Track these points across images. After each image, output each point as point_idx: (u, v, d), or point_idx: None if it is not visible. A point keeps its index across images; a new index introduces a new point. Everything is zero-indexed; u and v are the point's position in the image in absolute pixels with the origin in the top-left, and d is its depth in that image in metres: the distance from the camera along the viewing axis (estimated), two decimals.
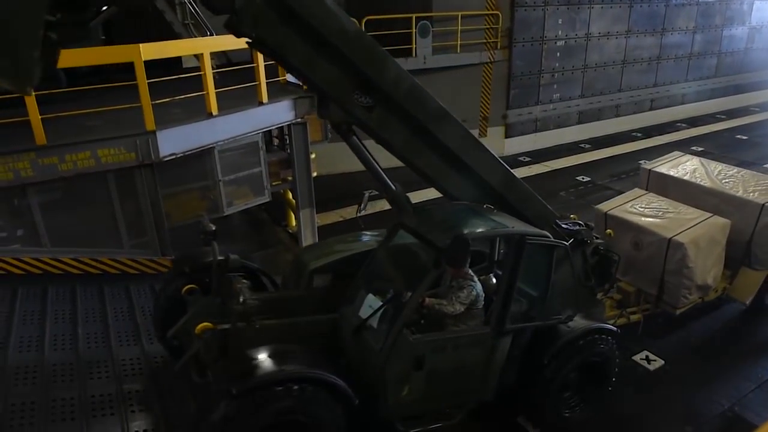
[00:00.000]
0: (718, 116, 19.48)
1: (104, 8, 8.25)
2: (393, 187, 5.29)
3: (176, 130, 7.40)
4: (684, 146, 16.04)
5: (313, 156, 9.87)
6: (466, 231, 4.81)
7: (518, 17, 14.47)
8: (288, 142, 9.64)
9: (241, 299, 5.14)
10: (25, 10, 2.79)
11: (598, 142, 16.55)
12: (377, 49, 4.64)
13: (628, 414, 6.01)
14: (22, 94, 3.90)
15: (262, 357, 4.43)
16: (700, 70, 19.36)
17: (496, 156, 5.62)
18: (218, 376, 4.50)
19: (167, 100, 7.52)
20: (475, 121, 15.11)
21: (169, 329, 5.26)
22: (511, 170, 5.73)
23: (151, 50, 6.78)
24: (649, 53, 17.66)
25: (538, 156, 15.37)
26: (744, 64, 20.55)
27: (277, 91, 9.29)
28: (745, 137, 17.08)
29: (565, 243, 5.27)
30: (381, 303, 4.72)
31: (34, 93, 6.61)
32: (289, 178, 9.70)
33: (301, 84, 10.21)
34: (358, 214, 5.82)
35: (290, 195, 10.24)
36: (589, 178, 13.56)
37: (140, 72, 6.75)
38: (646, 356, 6.84)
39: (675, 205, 7.20)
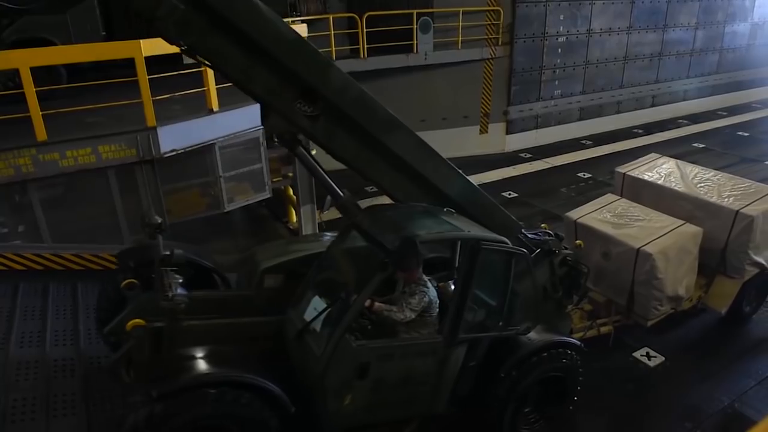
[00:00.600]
0: (719, 113, 19.44)
1: None
2: (341, 195, 4.98)
3: (177, 126, 7.40)
4: (685, 143, 16.05)
5: (314, 152, 9.86)
6: (416, 233, 4.54)
7: (519, 13, 14.43)
8: None
9: (170, 296, 4.79)
10: None
11: (599, 139, 16.51)
12: (319, 57, 4.45)
13: (628, 410, 6.02)
14: None
15: (190, 358, 4.28)
16: (702, 67, 19.31)
17: (455, 166, 5.44)
18: (140, 377, 4.29)
19: (168, 96, 7.51)
20: (476, 117, 15.10)
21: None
22: (470, 180, 5.59)
23: (152, 46, 6.76)
24: (650, 49, 17.61)
25: (539, 152, 15.35)
26: (746, 61, 20.48)
27: None
28: (746, 134, 17.04)
29: (524, 251, 5.05)
30: (326, 306, 4.57)
31: (35, 89, 6.62)
32: (290, 175, 9.71)
33: None
34: (320, 218, 5.68)
35: (291, 191, 10.24)
36: (590, 175, 13.54)
37: (141, 68, 6.75)
38: (647, 353, 6.85)
39: (647, 213, 6.90)
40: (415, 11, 13.03)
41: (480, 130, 15.28)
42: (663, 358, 6.76)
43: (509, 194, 12.36)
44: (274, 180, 9.34)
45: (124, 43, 6.87)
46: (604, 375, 6.50)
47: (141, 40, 6.60)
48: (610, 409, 6.03)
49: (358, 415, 4.67)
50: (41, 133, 6.74)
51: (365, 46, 12.72)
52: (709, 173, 7.47)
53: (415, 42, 13.36)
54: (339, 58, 12.59)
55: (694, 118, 18.75)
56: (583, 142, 16.39)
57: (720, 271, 6.93)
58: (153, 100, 6.97)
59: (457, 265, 5.77)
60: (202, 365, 4.30)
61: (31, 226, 7.12)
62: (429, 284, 4.86)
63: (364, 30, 12.52)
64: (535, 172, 13.87)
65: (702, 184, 7.21)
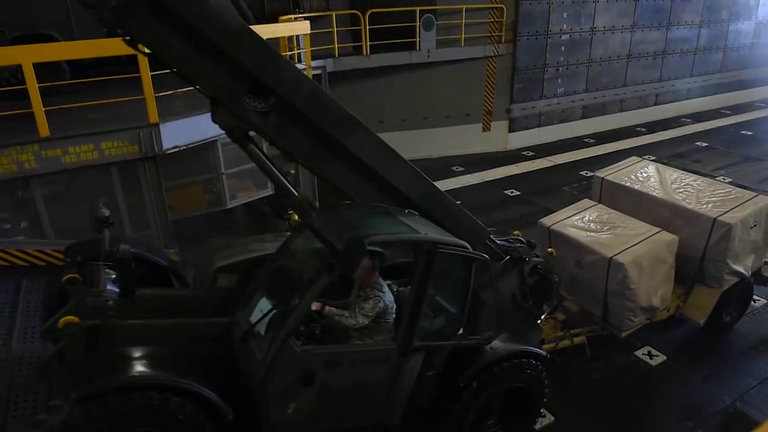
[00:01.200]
0: (723, 112, 19.39)
1: None
2: (295, 194, 4.78)
3: (179, 122, 7.42)
4: (688, 142, 16.01)
5: None
6: (366, 233, 4.30)
7: (523, 11, 14.38)
8: None
9: (97, 292, 4.59)
10: None
11: (602, 137, 16.47)
12: (268, 50, 4.24)
13: (629, 409, 6.01)
14: None
15: (124, 359, 4.10)
16: (706, 65, 19.24)
17: (417, 168, 5.20)
18: (63, 378, 4.08)
19: (170, 92, 7.52)
20: (479, 115, 15.07)
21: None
22: (434, 184, 5.34)
23: None
24: (654, 48, 17.56)
25: (541, 151, 15.31)
26: (750, 60, 20.40)
27: None
28: (750, 133, 16.99)
29: (485, 256, 4.82)
30: (270, 308, 4.38)
31: (38, 85, 6.63)
32: (292, 171, 9.70)
33: None
34: (286, 217, 5.36)
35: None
36: (592, 173, 13.47)
37: (143, 64, 6.75)
38: (648, 351, 6.84)
39: (622, 219, 6.69)
40: (418, 8, 13.01)
41: (483, 128, 15.25)
42: (665, 357, 6.75)
43: (511, 192, 12.35)
44: None
45: None
46: (605, 373, 6.51)
47: None
48: (612, 408, 6.03)
49: (303, 423, 4.44)
50: (44, 129, 6.75)
51: (368, 43, 12.71)
52: (690, 178, 7.23)
53: (418, 39, 13.34)
54: (342, 56, 12.62)
55: (697, 117, 18.70)
56: (586, 140, 16.35)
57: (698, 280, 6.71)
58: (155, 96, 6.99)
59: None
60: (132, 367, 4.08)
61: (34, 221, 7.14)
62: (385, 289, 4.69)
63: (367, 27, 12.50)
64: (537, 170, 13.85)
65: (681, 190, 6.96)
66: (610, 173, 7.59)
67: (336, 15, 12.26)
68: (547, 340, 6.32)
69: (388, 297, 4.67)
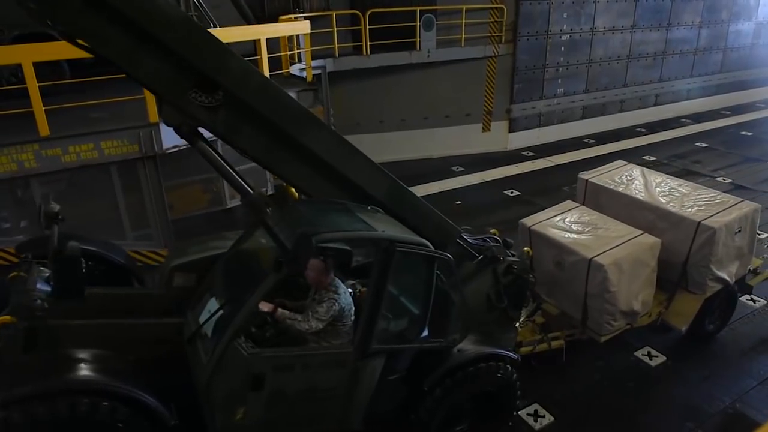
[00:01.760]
0: (723, 112, 19.38)
1: None
2: (250, 191, 4.60)
3: None
4: (688, 142, 16.01)
5: None
6: (318, 231, 4.11)
7: (523, 11, 14.37)
8: None
9: (31, 291, 4.39)
10: None
11: (602, 138, 16.47)
12: (213, 42, 4.04)
13: (628, 410, 6.01)
14: None
15: (58, 361, 3.95)
16: (706, 66, 19.24)
17: (381, 166, 5.04)
18: (13, 379, 3.87)
19: None
20: (479, 115, 15.07)
21: None
22: (399, 181, 5.14)
23: None
24: (654, 48, 17.55)
25: (541, 151, 15.31)
26: (750, 60, 20.39)
27: (281, 84, 9.27)
28: (750, 133, 16.98)
29: (447, 256, 4.60)
30: (217, 309, 4.22)
31: (38, 84, 6.62)
32: None
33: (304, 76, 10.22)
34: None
35: (293, 188, 10.23)
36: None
37: None
38: (648, 352, 6.83)
39: (605, 221, 6.56)
40: (418, 8, 13.00)
41: (482, 128, 15.24)
42: (664, 358, 6.75)
43: (511, 192, 12.35)
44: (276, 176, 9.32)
45: None
46: (605, 374, 6.51)
47: None
48: (611, 408, 6.02)
49: (253, 429, 4.28)
50: (44, 128, 6.75)
51: (368, 43, 12.70)
52: (675, 182, 7.14)
53: (418, 39, 13.33)
54: (342, 55, 12.61)
55: (697, 118, 18.70)
56: (586, 140, 16.35)
57: (681, 286, 6.56)
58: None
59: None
60: (65, 370, 3.90)
61: (34, 221, 7.13)
62: (341, 290, 4.52)
63: (367, 27, 12.49)
64: (537, 170, 13.85)
65: (666, 193, 6.85)
66: (594, 176, 7.49)
67: (336, 15, 12.25)
68: (524, 343, 6.23)
69: (345, 299, 4.49)
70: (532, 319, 6.59)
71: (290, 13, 11.97)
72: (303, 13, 12.45)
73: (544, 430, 5.72)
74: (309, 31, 10.05)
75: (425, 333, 4.64)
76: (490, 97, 14.98)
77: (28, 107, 6.64)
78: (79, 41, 3.87)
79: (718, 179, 12.92)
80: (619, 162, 7.99)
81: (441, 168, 13.97)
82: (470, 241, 5.59)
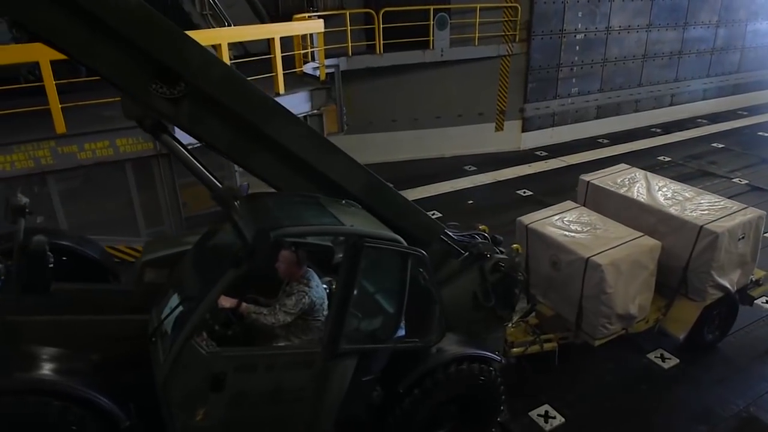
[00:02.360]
0: (739, 112, 19.15)
1: None
2: (218, 185, 4.45)
3: None
4: (704, 143, 15.84)
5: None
6: (281, 225, 3.99)
7: (537, 10, 14.30)
8: None
9: None
10: None
11: (616, 138, 16.34)
12: (172, 30, 3.85)
13: (640, 412, 5.97)
14: None
15: (11, 359, 3.85)
16: (723, 66, 19.01)
17: (357, 161, 4.88)
18: None
19: None
20: (492, 114, 15.02)
21: None
22: (379, 177, 4.97)
23: None
24: (670, 47, 17.37)
25: (555, 151, 15.23)
26: None
27: (294, 83, 9.33)
28: (767, 134, 16.77)
29: (421, 252, 4.38)
30: (176, 305, 4.07)
31: (54, 82, 6.70)
32: None
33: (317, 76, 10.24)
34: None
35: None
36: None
37: None
38: (661, 354, 6.78)
39: (605, 222, 6.42)
40: (432, 7, 12.97)
41: (495, 128, 15.19)
42: (677, 360, 6.69)
43: (524, 192, 12.30)
44: None
45: None
46: (617, 376, 6.47)
47: None
48: (623, 410, 5.98)
49: (216, 431, 4.09)
50: (60, 125, 6.83)
51: (381, 42, 12.70)
52: (679, 186, 6.99)
53: (432, 38, 13.29)
54: (355, 54, 12.62)
55: (713, 118, 18.48)
56: (600, 140, 16.23)
57: (681, 292, 6.39)
58: None
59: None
60: (17, 368, 3.80)
61: (50, 217, 7.23)
62: (314, 283, 4.38)
63: (381, 26, 12.50)
64: (550, 170, 13.77)
65: (668, 197, 6.71)
66: (595, 177, 7.39)
67: (350, 13, 12.27)
68: (516, 344, 6.15)
69: (317, 293, 4.36)
70: (525, 320, 6.52)
71: (304, 12, 11.99)
72: (317, 11, 12.47)
73: (555, 431, 5.69)
74: (323, 29, 10.07)
75: (402, 332, 4.48)
76: (503, 96, 14.92)
77: (45, 105, 6.72)
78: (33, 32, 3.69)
79: (734, 180, 12.77)
80: (622, 165, 7.88)
81: (453, 167, 13.94)
82: (456, 237, 5.41)
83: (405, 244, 4.34)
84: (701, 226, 6.07)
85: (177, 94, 3.96)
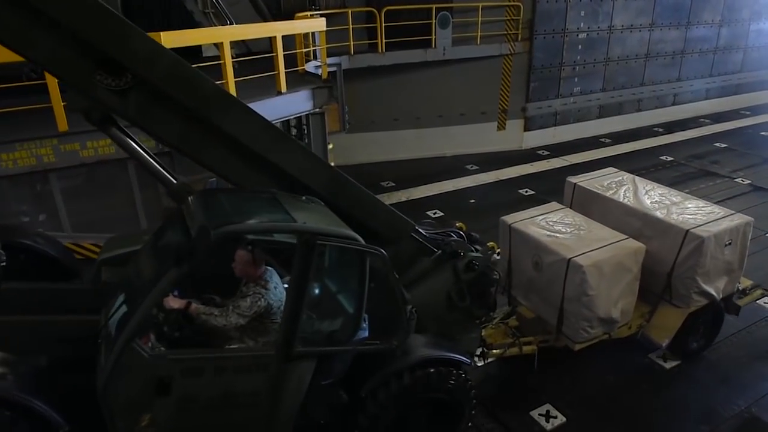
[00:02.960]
0: (742, 112, 19.11)
1: None
2: (173, 181, 4.36)
3: None
4: (706, 142, 15.81)
5: (330, 146, 9.89)
6: (227, 222, 3.83)
7: (540, 9, 14.28)
8: (306, 131, 9.66)
9: None
10: None
11: (618, 137, 16.32)
12: (113, 18, 3.65)
13: (642, 412, 5.96)
14: None
15: None
16: (726, 65, 18.97)
17: (321, 157, 4.89)
18: None
19: None
20: (494, 113, 15.01)
21: None
22: (342, 172, 4.81)
23: (172, 38, 6.82)
24: (672, 47, 17.35)
25: (557, 150, 15.21)
26: None
27: (296, 81, 9.32)
28: None
29: (380, 251, 4.17)
30: (119, 305, 3.92)
31: (57, 80, 6.71)
32: None
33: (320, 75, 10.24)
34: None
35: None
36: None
37: None
38: (663, 354, 6.77)
39: (589, 224, 6.31)
40: (434, 6, 12.96)
41: (498, 127, 15.19)
42: (679, 360, 6.67)
43: (526, 192, 12.29)
44: None
45: None
46: (618, 375, 6.46)
47: (161, 33, 6.64)
48: (624, 410, 5.98)
49: None
50: (62, 123, 6.84)
51: (383, 40, 12.69)
52: (665, 190, 6.89)
53: (434, 37, 13.28)
54: (357, 53, 12.62)
55: (716, 118, 18.45)
56: (603, 140, 16.22)
57: (664, 298, 6.27)
58: None
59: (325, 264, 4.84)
60: None
61: (52, 215, 7.24)
62: (272, 285, 4.24)
63: (383, 24, 12.49)
64: (552, 169, 13.75)
65: (654, 201, 6.58)
66: (582, 180, 7.29)
67: (352, 12, 12.27)
68: (494, 346, 6.05)
69: (274, 295, 4.22)
70: (505, 322, 6.43)
71: (306, 10, 11.99)
72: (319, 10, 12.47)
73: (556, 430, 5.69)
74: (325, 28, 10.07)
75: (365, 334, 4.32)
76: (505, 95, 14.91)
77: (47, 103, 6.73)
78: None
79: (737, 180, 12.74)
80: (610, 168, 7.79)
81: (455, 166, 13.94)
82: (429, 235, 5.25)
83: (362, 242, 4.14)
84: (687, 231, 5.95)
85: (123, 85, 3.80)
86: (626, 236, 6.06)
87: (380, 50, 12.82)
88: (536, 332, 6.31)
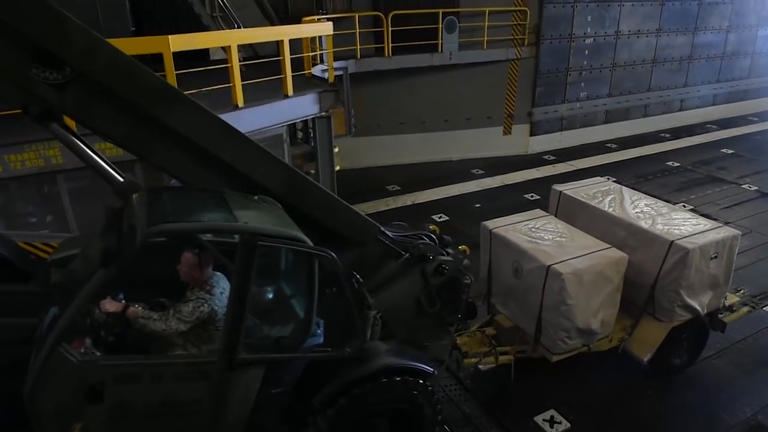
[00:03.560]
0: (750, 118, 19.04)
1: None
2: (120, 179, 4.15)
3: None
4: (713, 148, 15.75)
5: (336, 150, 9.91)
6: (161, 221, 3.65)
7: (546, 14, 14.30)
8: (312, 135, 9.69)
9: None
10: None
11: (624, 142, 16.30)
12: (48, 8, 3.48)
13: (646, 418, 5.94)
14: None
15: None
16: (733, 71, 18.92)
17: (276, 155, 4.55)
18: None
19: (194, 91, 7.60)
20: (500, 118, 15.01)
21: None
22: (301, 172, 4.65)
23: (180, 42, 6.86)
24: (680, 53, 17.33)
25: (563, 155, 15.20)
26: None
27: (303, 85, 9.34)
28: None
29: (329, 253, 3.94)
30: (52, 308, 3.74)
31: None
32: (312, 172, 9.75)
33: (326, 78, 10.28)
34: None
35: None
36: (615, 179, 13.34)
37: (169, 63, 6.84)
38: None
39: (572, 232, 6.17)
40: (440, 10, 13.00)
41: (503, 131, 15.19)
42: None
43: (531, 196, 12.27)
44: None
45: (153, 39, 6.96)
46: (623, 381, 6.43)
47: (169, 36, 6.69)
48: (629, 416, 5.95)
49: None
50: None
51: (390, 44, 12.73)
52: (652, 201, 6.74)
53: (440, 41, 13.32)
54: (364, 56, 12.66)
55: (723, 123, 18.39)
56: (609, 145, 16.18)
57: (647, 312, 6.09)
58: None
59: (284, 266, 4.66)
60: None
61: (59, 216, 7.28)
62: (218, 290, 4.06)
63: (390, 28, 12.53)
64: (558, 174, 13.72)
65: (640, 211, 6.43)
66: (568, 188, 7.15)
67: (359, 16, 12.31)
68: (470, 355, 5.93)
69: (220, 300, 4.03)
70: (483, 330, 6.29)
71: (313, 15, 12.04)
72: (326, 14, 12.53)
73: None
74: (332, 32, 10.10)
75: (319, 340, 4.18)
76: (511, 100, 14.91)
77: None
78: None
79: (743, 186, 12.69)
80: (597, 178, 7.70)
81: (461, 171, 13.95)
82: (397, 238, 5.04)
83: (309, 243, 3.93)
84: (672, 242, 5.78)
85: (62, 79, 3.63)
86: (609, 245, 5.91)
87: (387, 54, 12.86)
88: (514, 342, 6.15)
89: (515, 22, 14.15)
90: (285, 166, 4.56)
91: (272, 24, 12.73)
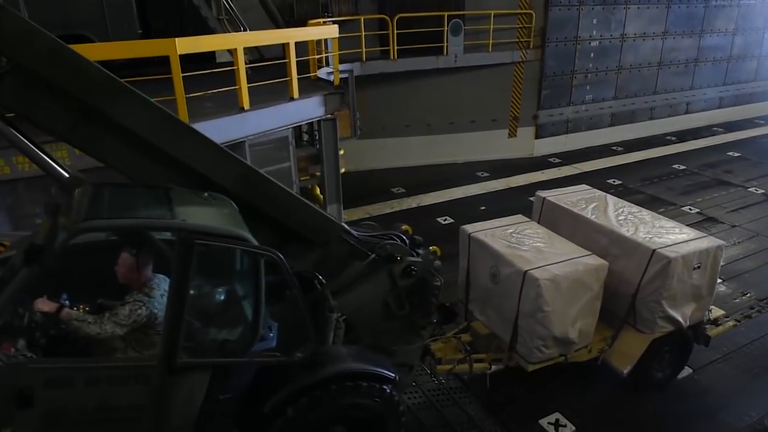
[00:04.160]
0: (756, 121, 18.98)
1: None
2: (66, 175, 4.04)
3: (208, 123, 7.51)
4: (720, 151, 15.71)
5: (341, 152, 9.93)
6: (96, 218, 3.49)
7: (552, 16, 14.30)
8: (317, 137, 9.71)
9: None
10: None
11: (630, 145, 16.27)
12: None
13: (652, 422, 5.92)
14: None
15: None
16: (739, 74, 18.86)
17: (231, 151, 4.40)
18: None
19: (200, 94, 7.64)
20: (505, 121, 15.02)
21: None
22: (255, 168, 4.47)
23: (187, 44, 6.89)
24: (686, 55, 17.29)
25: (568, 158, 15.18)
26: None
27: (308, 87, 9.37)
28: None
29: (275, 253, 3.79)
30: None
31: None
32: (318, 174, 9.78)
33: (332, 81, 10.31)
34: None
35: (318, 190, 10.32)
36: (620, 182, 13.34)
37: (175, 66, 6.87)
38: None
39: (552, 238, 6.07)
40: (446, 13, 13.03)
41: (509, 134, 15.19)
42: (690, 371, 6.62)
43: None
44: (302, 179, 9.42)
45: (160, 41, 7.00)
46: (628, 385, 6.40)
47: (176, 39, 6.72)
48: (634, 420, 5.93)
49: None
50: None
51: (395, 47, 12.76)
52: (636, 210, 6.60)
53: (446, 44, 13.34)
54: (369, 59, 12.68)
55: (729, 127, 18.34)
56: (614, 148, 16.16)
57: (628, 322, 5.94)
58: (186, 97, 7.10)
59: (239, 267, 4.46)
60: None
61: None
62: (157, 293, 3.90)
63: (395, 31, 12.56)
64: (563, 177, 13.71)
65: (623, 219, 6.32)
66: (552, 194, 7.06)
67: (364, 19, 12.33)
68: (444, 361, 5.78)
69: (159, 303, 3.86)
70: (459, 336, 6.14)
71: (319, 17, 12.07)
72: (331, 17, 12.56)
73: None
74: (337, 35, 10.12)
75: (271, 344, 4.07)
76: (516, 102, 14.91)
77: None
78: None
79: (750, 189, 12.65)
80: (583, 186, 7.59)
81: (466, 173, 13.95)
82: (364, 238, 4.85)
83: (254, 242, 3.78)
84: (654, 250, 5.64)
85: (0, 69, 3.52)
86: (589, 252, 5.78)
87: (392, 57, 12.88)
88: (489, 349, 6.03)
89: (521, 25, 14.16)
90: (239, 163, 4.37)
91: (278, 27, 12.78)
